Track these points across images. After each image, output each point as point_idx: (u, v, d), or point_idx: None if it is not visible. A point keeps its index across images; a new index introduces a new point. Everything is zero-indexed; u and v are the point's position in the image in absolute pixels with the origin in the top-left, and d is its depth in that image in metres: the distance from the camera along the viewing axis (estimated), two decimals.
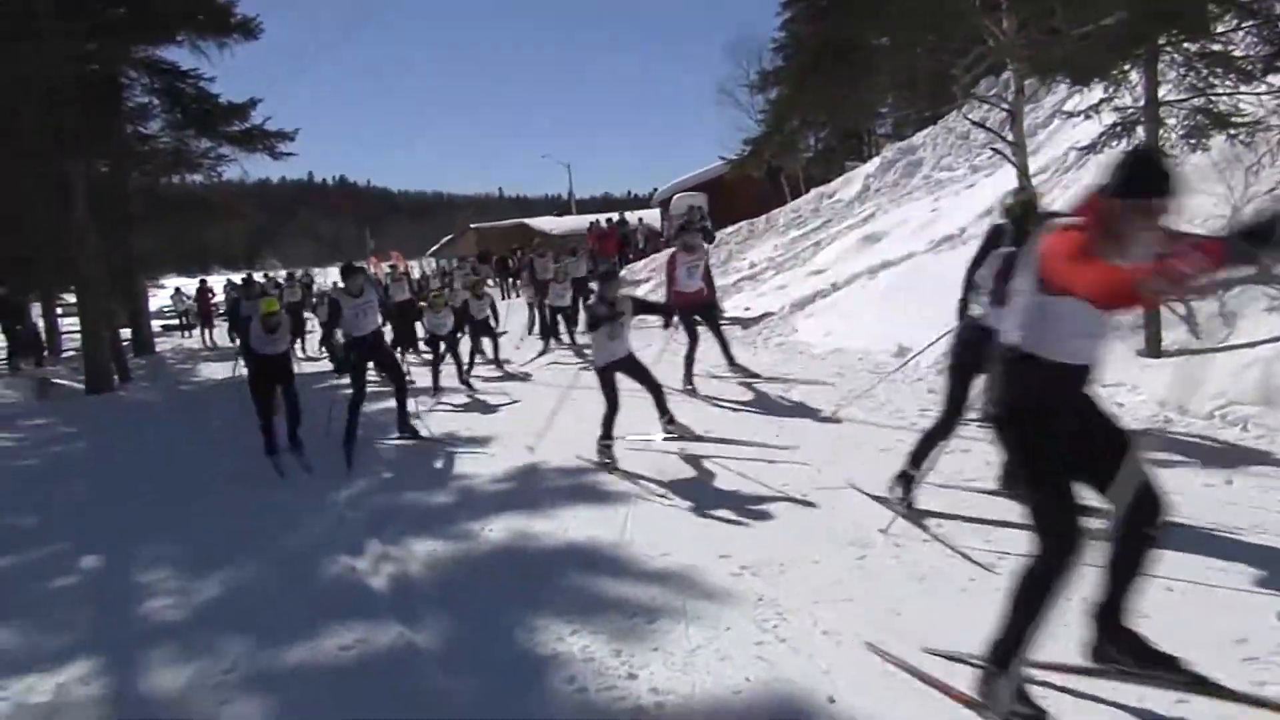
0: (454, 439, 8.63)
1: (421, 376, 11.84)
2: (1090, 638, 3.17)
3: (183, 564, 5.63)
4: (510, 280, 26.95)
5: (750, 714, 3.38)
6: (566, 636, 4.11)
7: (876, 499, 5.36)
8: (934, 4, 10.69)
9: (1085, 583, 3.04)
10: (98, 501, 7.54)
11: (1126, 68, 8.65)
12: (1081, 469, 3.02)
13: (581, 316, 14.40)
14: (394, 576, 5.17)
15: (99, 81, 15.13)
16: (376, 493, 7.08)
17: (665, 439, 7.28)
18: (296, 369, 8.60)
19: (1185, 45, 8.11)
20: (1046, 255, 2.84)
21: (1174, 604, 3.73)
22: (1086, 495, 3.00)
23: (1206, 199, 8.43)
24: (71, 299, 17.58)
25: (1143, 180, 2.75)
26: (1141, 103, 8.42)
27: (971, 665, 3.23)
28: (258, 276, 22.43)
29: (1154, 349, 7.55)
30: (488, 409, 10.08)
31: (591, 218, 31.26)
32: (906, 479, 5.18)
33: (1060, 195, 11.19)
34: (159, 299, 28.44)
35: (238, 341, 12.97)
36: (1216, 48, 8.16)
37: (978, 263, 6.32)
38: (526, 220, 43.46)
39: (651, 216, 31.35)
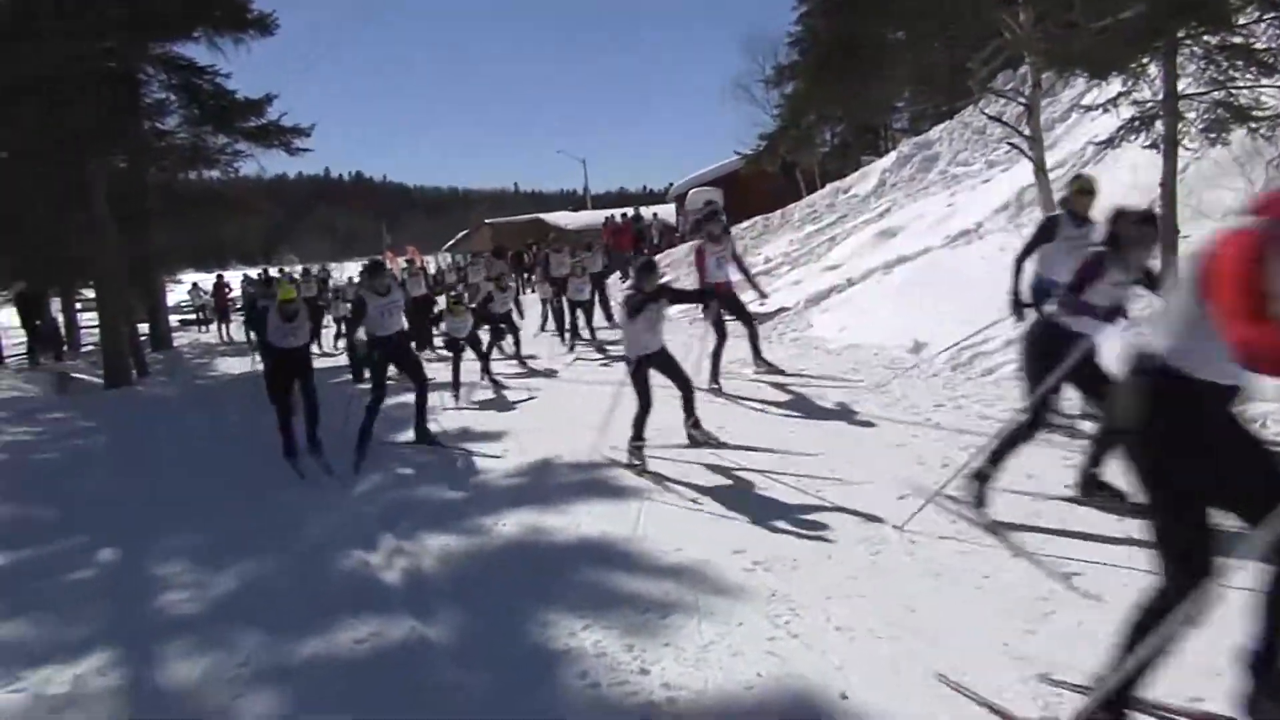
0: (468, 434, 8.64)
1: (440, 372, 11.82)
2: (1244, 689, 2.78)
3: (199, 557, 5.67)
4: (525, 275, 26.98)
5: (762, 710, 3.37)
6: (579, 631, 4.11)
7: (901, 498, 5.33)
8: None
9: (1231, 626, 2.77)
10: (116, 495, 7.60)
11: (1145, 61, 8.59)
12: (1225, 497, 2.69)
13: (598, 310, 14.44)
14: (407, 571, 5.19)
15: (116, 78, 15.20)
16: (390, 488, 7.10)
17: (687, 445, 7.03)
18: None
19: (1205, 38, 8.05)
20: (1213, 260, 2.48)
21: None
22: (1228, 524, 2.69)
23: (1226, 194, 8.34)
24: (90, 294, 17.73)
25: None
26: (1160, 96, 8.37)
27: (1073, 692, 3.06)
28: (274, 272, 22.57)
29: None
30: (505, 405, 10.06)
31: (607, 213, 31.26)
32: (982, 478, 4.92)
33: None
34: (176, 294, 28.66)
35: (253, 336, 12.99)
36: (1237, 40, 8.09)
37: (1028, 252, 6.23)
38: (542, 215, 43.53)
39: (666, 212, 31.33)
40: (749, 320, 9.27)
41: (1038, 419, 4.88)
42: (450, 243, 48.37)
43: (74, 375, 16.00)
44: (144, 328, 20.17)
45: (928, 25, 11.73)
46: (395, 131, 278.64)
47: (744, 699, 3.44)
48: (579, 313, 13.85)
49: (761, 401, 8.37)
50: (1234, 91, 8.11)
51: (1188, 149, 8.64)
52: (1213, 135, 8.33)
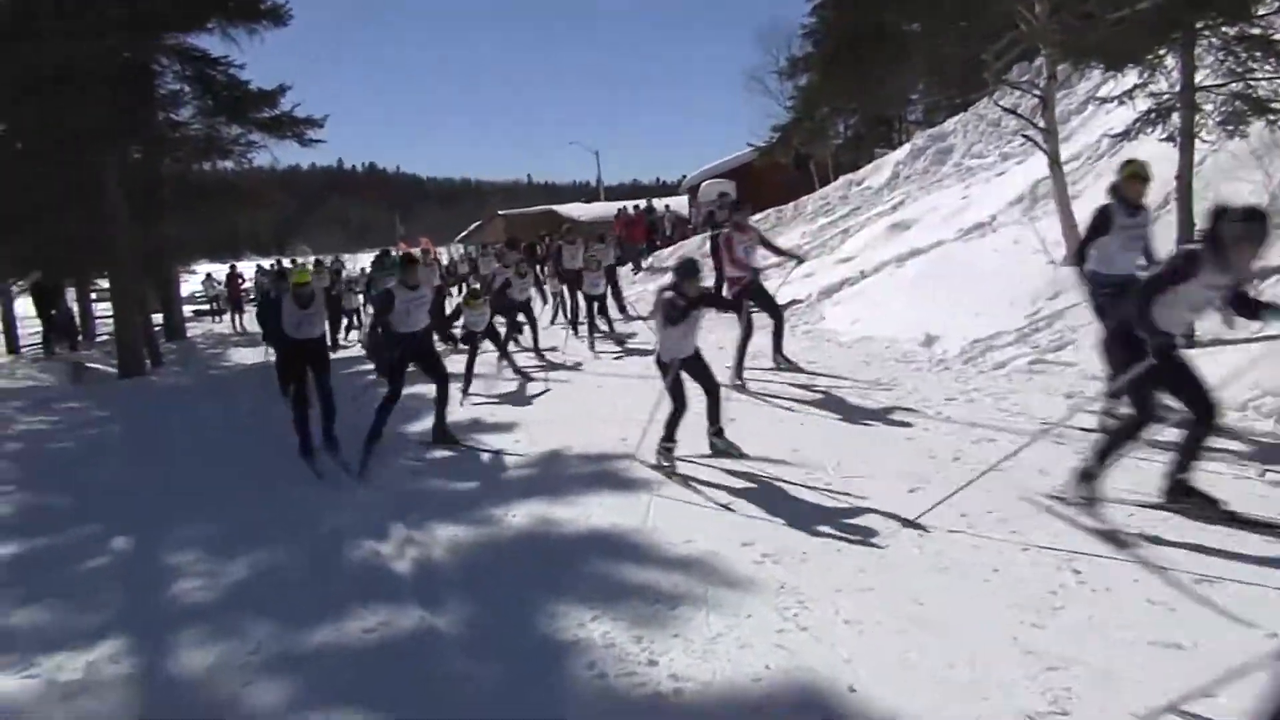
0: (480, 426, 8.64)
1: (454, 364, 11.75)
2: None
3: (211, 547, 5.69)
4: (539, 267, 26.96)
5: (770, 702, 3.37)
6: (588, 622, 4.12)
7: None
8: None
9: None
10: (129, 484, 7.64)
11: (1162, 52, 8.52)
12: None
13: (610, 302, 14.36)
14: (417, 561, 5.21)
15: (131, 70, 15.25)
16: (401, 479, 7.11)
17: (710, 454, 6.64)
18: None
19: (1224, 29, 7.96)
20: None
21: (1202, 597, 3.69)
22: None
23: (1244, 187, 8.26)
24: (105, 285, 17.82)
25: None
26: (1177, 88, 8.29)
27: None
28: (286, 263, 22.65)
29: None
30: (518, 398, 10.04)
31: (619, 205, 31.20)
32: (1089, 478, 4.71)
33: (1093, 183, 11.02)
34: (190, 285, 28.79)
35: (265, 326, 12.86)
36: (1256, 31, 8.00)
37: (1085, 245, 6.04)
38: (555, 207, 43.46)
39: (679, 204, 31.26)
40: (778, 313, 9.16)
41: (1147, 413, 4.57)
42: (463, 234, 48.38)
43: (89, 365, 16.12)
44: (158, 318, 20.32)
45: (942, 17, 11.65)
46: (409, 123, 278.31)
47: (752, 691, 3.44)
48: (595, 306, 13.66)
49: (772, 394, 8.35)
50: (1252, 83, 8.02)
51: (1205, 141, 8.56)
52: (1231, 128, 8.25)
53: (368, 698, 3.68)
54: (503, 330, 11.93)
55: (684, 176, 35.05)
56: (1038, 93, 10.58)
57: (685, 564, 4.69)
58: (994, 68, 10.76)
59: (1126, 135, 9.09)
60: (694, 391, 6.48)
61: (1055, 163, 9.94)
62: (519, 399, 9.96)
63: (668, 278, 6.62)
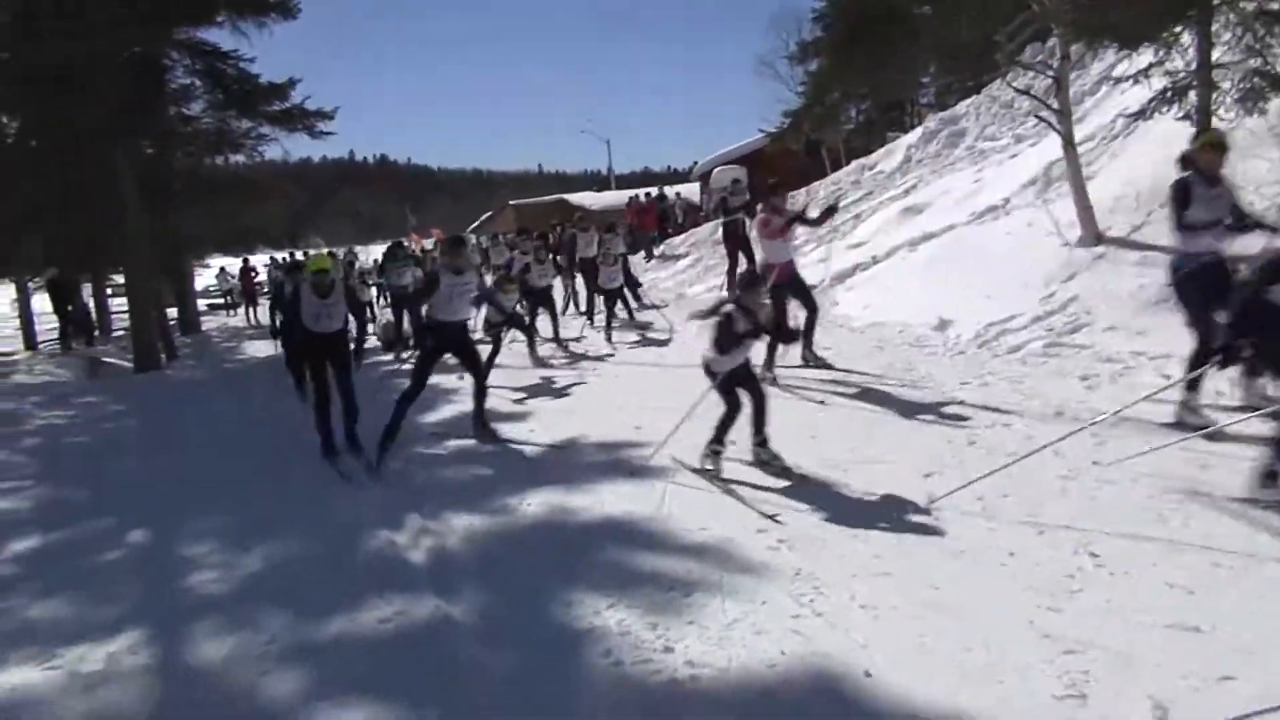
0: (495, 415, 8.59)
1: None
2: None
3: (227, 538, 5.72)
4: (552, 256, 26.92)
5: (785, 687, 3.36)
6: (603, 610, 4.12)
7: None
8: None
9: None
10: (146, 477, 7.69)
11: (1178, 30, 8.41)
12: None
13: (629, 299, 14.24)
14: (432, 550, 5.22)
15: (141, 65, 15.29)
16: (416, 468, 7.11)
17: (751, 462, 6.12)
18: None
19: (1241, 4, 7.85)
20: None
21: (1220, 581, 3.66)
22: None
23: (1263, 164, 8.16)
24: (120, 280, 17.92)
25: None
26: (1194, 66, 8.19)
27: None
28: (299, 256, 22.68)
29: None
30: (537, 389, 10.00)
31: (631, 193, 31.16)
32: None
33: (1108, 164, 10.91)
34: (204, 278, 28.93)
35: (278, 320, 12.68)
36: (1275, 6, 7.89)
37: (1180, 219, 5.92)
38: (566, 196, 43.43)
39: (690, 190, 31.17)
40: (813, 306, 8.84)
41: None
42: (475, 224, 48.40)
43: (105, 360, 16.22)
44: (172, 312, 20.42)
45: None
46: (419, 114, 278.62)
47: (767, 677, 3.44)
48: (612, 301, 13.46)
49: (788, 381, 8.31)
50: (1271, 59, 7.91)
51: (1222, 119, 8.46)
52: (1249, 105, 8.15)
53: (383, 687, 3.69)
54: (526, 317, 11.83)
55: (695, 163, 34.98)
56: (1051, 73, 10.46)
57: (700, 550, 4.69)
58: (1006, 49, 10.67)
59: (1142, 114, 9.00)
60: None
61: (1069, 144, 9.84)
62: (538, 390, 9.92)
63: (721, 293, 6.19)
